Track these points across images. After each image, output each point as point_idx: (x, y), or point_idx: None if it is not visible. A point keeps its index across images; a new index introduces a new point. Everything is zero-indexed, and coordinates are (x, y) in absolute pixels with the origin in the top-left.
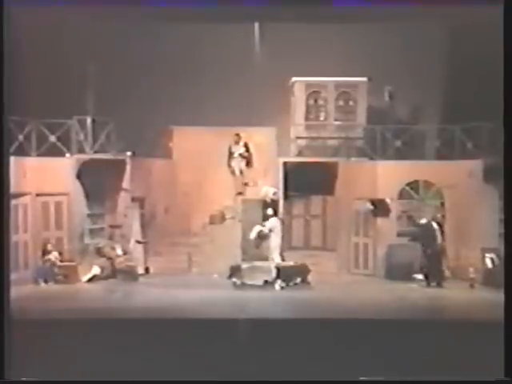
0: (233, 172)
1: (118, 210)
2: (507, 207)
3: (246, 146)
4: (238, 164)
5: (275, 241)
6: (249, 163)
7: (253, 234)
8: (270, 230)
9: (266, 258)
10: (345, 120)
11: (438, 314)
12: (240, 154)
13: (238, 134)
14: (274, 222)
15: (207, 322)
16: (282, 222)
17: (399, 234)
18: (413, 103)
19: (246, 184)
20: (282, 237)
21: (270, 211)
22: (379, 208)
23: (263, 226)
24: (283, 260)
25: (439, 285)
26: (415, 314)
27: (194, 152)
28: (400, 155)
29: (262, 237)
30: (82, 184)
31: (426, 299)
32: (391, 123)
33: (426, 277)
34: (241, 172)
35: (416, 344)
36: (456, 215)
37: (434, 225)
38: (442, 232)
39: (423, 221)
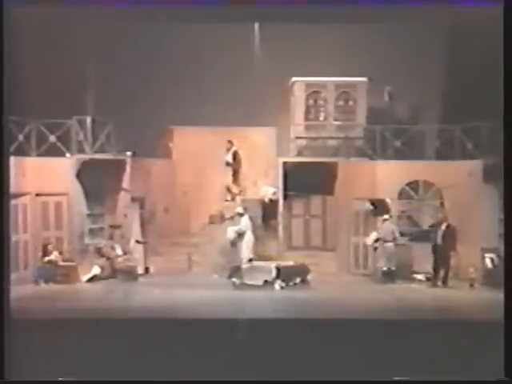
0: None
1: (118, 209)
2: (507, 207)
3: (234, 154)
4: (227, 173)
5: (247, 240)
6: (236, 172)
7: (230, 235)
8: (246, 229)
9: (265, 258)
10: (344, 120)
11: (438, 314)
12: (226, 162)
13: (230, 141)
14: (247, 221)
15: (207, 321)
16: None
17: (399, 234)
18: (413, 103)
19: (232, 199)
20: (255, 237)
21: (240, 209)
22: (379, 208)
23: (236, 226)
24: (251, 260)
25: (445, 284)
26: (415, 314)
27: (193, 152)
28: (400, 155)
29: (241, 235)
30: (82, 184)
31: (425, 299)
32: (391, 123)
33: (432, 277)
34: (234, 179)
35: (416, 344)
36: (456, 215)
37: (443, 227)
38: (451, 234)
39: (427, 223)
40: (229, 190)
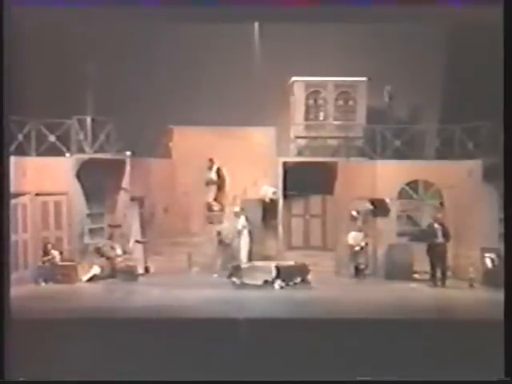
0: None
1: (118, 209)
2: (507, 207)
3: (217, 171)
4: (210, 190)
5: (244, 240)
6: (220, 189)
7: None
8: (244, 227)
9: (265, 258)
10: (344, 120)
11: (438, 314)
12: (211, 180)
13: (211, 160)
14: (243, 221)
15: (207, 321)
16: (249, 222)
17: (399, 234)
18: (413, 103)
19: (212, 211)
20: (251, 237)
21: (237, 209)
22: (379, 208)
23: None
24: (250, 260)
25: (443, 284)
26: (415, 314)
27: (193, 152)
28: (400, 155)
29: (239, 234)
30: (82, 184)
31: (425, 299)
32: (391, 123)
33: (432, 276)
34: (215, 199)
35: (416, 344)
36: (456, 215)
37: (436, 225)
38: (446, 232)
39: (425, 223)
40: (210, 208)
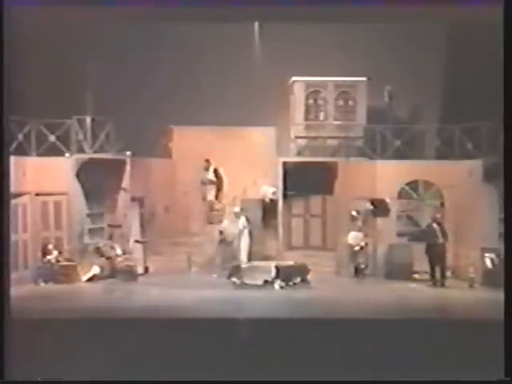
0: (204, 198)
1: (118, 209)
2: (507, 207)
3: (215, 171)
4: (209, 191)
5: (244, 241)
6: (219, 189)
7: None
8: (244, 227)
9: (265, 258)
10: (344, 120)
11: (438, 314)
12: (209, 181)
13: (207, 160)
14: (244, 221)
15: (207, 321)
16: (249, 222)
17: (399, 234)
18: (413, 103)
19: (214, 210)
20: (251, 237)
21: (237, 209)
22: (379, 208)
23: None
24: (250, 260)
25: (443, 285)
26: (415, 314)
27: (194, 152)
28: (400, 155)
29: (240, 234)
30: (82, 184)
31: (425, 299)
32: (391, 123)
33: (432, 277)
34: (216, 197)
35: (416, 344)
36: (456, 215)
37: (435, 225)
38: (444, 232)
39: (425, 223)
40: (211, 206)
